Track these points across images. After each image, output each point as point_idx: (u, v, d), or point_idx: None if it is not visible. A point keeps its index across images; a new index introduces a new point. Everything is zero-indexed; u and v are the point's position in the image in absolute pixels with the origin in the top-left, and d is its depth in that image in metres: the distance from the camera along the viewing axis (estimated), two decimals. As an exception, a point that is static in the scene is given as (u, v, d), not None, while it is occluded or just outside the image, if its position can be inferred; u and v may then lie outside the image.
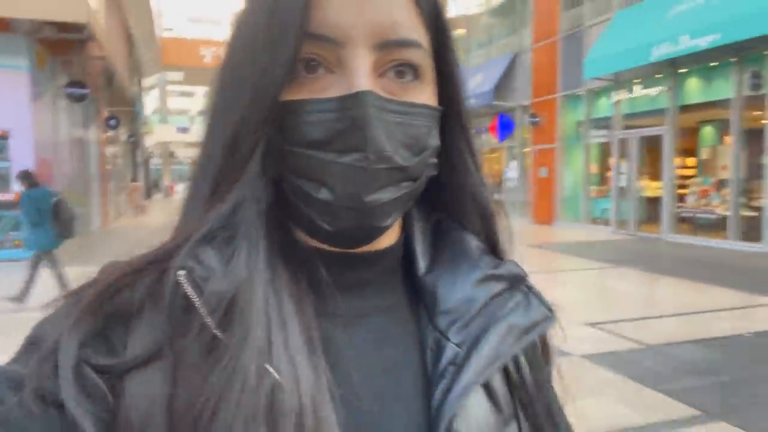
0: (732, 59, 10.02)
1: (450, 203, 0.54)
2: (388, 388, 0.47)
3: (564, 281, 7.49)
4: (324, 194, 0.43)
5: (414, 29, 0.45)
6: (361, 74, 0.42)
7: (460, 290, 0.49)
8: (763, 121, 9.70)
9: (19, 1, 7.41)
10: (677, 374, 3.96)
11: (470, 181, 0.53)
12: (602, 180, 13.74)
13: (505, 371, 0.51)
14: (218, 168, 0.44)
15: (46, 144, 9.79)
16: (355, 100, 0.42)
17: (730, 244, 10.28)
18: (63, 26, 8.50)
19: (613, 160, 12.94)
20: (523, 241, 11.97)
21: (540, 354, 0.55)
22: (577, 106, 14.03)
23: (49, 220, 6.00)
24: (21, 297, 5.89)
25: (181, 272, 0.40)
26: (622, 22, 11.93)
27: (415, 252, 0.52)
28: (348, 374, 0.45)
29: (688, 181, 11.72)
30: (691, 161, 12.07)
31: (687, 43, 9.90)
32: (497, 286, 0.50)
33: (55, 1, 7.63)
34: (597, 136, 13.53)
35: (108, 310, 0.41)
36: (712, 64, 10.49)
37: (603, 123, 13.28)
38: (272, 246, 0.44)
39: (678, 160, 11.83)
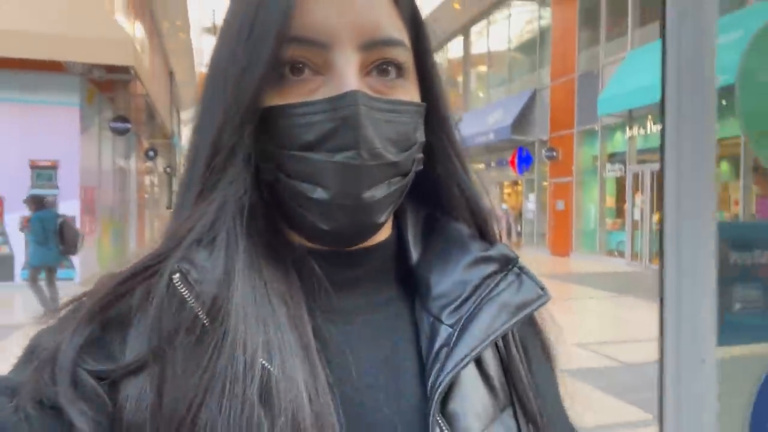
0: (739, 98, 10.31)
1: (438, 197, 0.54)
2: (387, 381, 0.47)
3: (567, 308, 7.81)
4: (319, 194, 0.43)
5: (395, 28, 0.47)
6: (350, 74, 0.43)
7: (451, 274, 0.50)
8: (771, 158, 9.91)
9: (73, 46, 8.32)
10: (645, 388, 4.31)
11: (455, 173, 0.53)
12: (618, 213, 13.97)
13: (501, 359, 0.52)
14: (204, 170, 0.44)
15: (91, 173, 10.63)
16: (345, 99, 0.42)
17: (741, 277, 10.37)
18: (111, 68, 9.42)
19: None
20: (538, 272, 12.25)
21: (540, 350, 0.57)
22: (593, 141, 14.39)
23: (54, 239, 6.75)
24: (53, 306, 6.51)
25: (176, 275, 0.40)
26: (634, 62, 12.35)
27: (407, 244, 0.53)
28: (347, 369, 0.45)
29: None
30: (709, 196, 12.26)
31: (695, 82, 10.24)
32: (488, 268, 0.50)
33: (104, 46, 8.52)
34: (612, 170, 13.83)
35: (106, 318, 0.42)
36: (723, 102, 10.78)
37: (618, 158, 13.59)
38: (257, 245, 0.44)
39: (695, 195, 12.04)
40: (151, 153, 17.32)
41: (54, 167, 9.61)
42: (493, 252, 0.52)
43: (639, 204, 12.93)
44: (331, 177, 0.43)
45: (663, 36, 0.87)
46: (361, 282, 0.50)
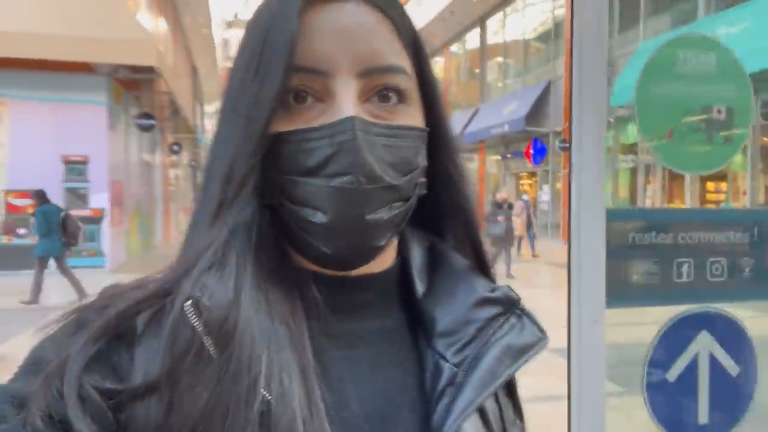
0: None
1: (440, 219, 0.56)
2: (387, 409, 0.48)
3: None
4: (320, 218, 0.44)
5: (396, 55, 0.48)
6: (347, 101, 0.45)
7: (457, 313, 0.51)
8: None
9: (100, 48, 8.79)
10: (628, 365, 4.58)
11: (458, 198, 0.55)
12: (632, 203, 14.06)
13: (496, 393, 0.53)
14: (218, 197, 0.46)
15: (119, 167, 11.18)
16: (342, 126, 0.44)
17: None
18: (136, 68, 9.91)
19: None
20: (553, 262, 12.47)
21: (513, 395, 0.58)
22: (606, 132, 14.43)
23: (57, 231, 7.23)
24: (33, 298, 7.00)
25: (188, 303, 0.41)
26: (646, 53, 12.37)
27: (412, 276, 0.54)
28: (347, 395, 0.46)
29: (720, 206, 11.98)
30: (725, 186, 12.32)
31: (704, 74, 10.30)
32: (493, 310, 0.51)
33: (129, 47, 8.97)
34: (625, 161, 13.92)
35: (113, 336, 0.42)
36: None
37: (631, 148, 13.68)
38: (263, 270, 0.45)
39: (711, 185, 12.11)
40: (176, 147, 17.73)
41: (85, 162, 10.14)
42: (498, 294, 0.53)
43: (650, 194, 13.03)
44: (330, 201, 0.44)
45: (570, 69, 1.16)
46: (364, 308, 0.51)
